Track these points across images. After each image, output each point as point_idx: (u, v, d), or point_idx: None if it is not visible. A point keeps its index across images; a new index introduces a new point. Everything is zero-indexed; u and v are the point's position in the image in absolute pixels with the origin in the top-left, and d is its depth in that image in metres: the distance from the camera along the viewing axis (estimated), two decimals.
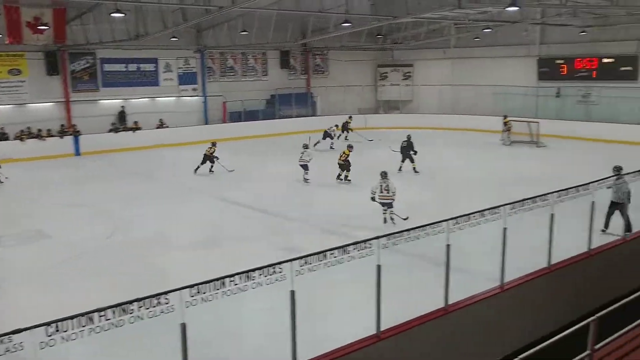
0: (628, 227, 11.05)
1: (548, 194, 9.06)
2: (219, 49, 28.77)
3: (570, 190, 9.35)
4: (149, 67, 27.03)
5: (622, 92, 26.35)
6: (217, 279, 5.64)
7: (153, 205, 15.07)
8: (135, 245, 11.75)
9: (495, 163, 20.99)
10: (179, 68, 28.08)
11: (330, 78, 33.62)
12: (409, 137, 19.17)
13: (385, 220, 13.01)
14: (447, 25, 30.15)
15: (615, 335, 7.03)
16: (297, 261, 6.12)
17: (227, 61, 29.79)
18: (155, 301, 5.24)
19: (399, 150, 18.72)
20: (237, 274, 5.76)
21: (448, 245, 7.51)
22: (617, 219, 11.18)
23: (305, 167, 17.78)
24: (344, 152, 17.59)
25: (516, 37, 29.69)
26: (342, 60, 33.36)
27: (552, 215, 8.95)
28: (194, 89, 28.67)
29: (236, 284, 5.76)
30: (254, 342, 7.82)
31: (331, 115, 31.32)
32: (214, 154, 19.15)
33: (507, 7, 16.03)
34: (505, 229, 8.24)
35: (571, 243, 9.88)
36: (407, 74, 34.82)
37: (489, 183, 16.89)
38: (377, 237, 6.74)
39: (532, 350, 5.85)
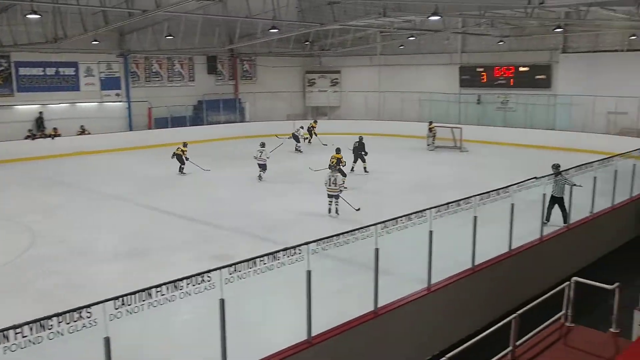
0: (565, 218, 12.14)
1: (471, 197, 9.38)
2: (144, 53, 28.05)
3: (492, 193, 9.72)
4: (69, 71, 25.95)
5: (537, 100, 27.79)
6: (143, 290, 5.46)
7: (74, 215, 14.45)
8: (57, 259, 11.21)
9: (421, 168, 21.54)
10: (101, 72, 27.12)
11: (259, 84, 33.52)
12: (360, 138, 20.25)
13: (329, 211, 14.00)
14: (373, 33, 30.82)
15: (535, 331, 7.35)
16: (226, 269, 6.02)
17: (152, 66, 29.09)
18: (76, 315, 5.00)
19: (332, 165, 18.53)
20: (164, 283, 5.59)
21: (377, 249, 7.61)
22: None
23: (263, 166, 18.37)
24: (333, 156, 16.91)
25: (439, 45, 30.74)
26: (270, 66, 33.33)
27: (475, 218, 9.26)
28: (117, 94, 27.78)
29: (163, 295, 5.59)
30: (183, 353, 7.64)
31: (260, 121, 31.26)
32: (184, 154, 19.72)
33: (429, 16, 16.54)
34: (431, 231, 8.45)
35: (493, 244, 10.26)
36: (335, 81, 35.25)
37: (415, 187, 17.32)
38: (307, 243, 6.74)
39: (458, 349, 6.01)
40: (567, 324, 7.59)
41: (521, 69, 28.51)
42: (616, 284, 7.45)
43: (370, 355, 7.72)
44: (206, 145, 26.34)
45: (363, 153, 19.74)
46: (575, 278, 7.57)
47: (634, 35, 24.26)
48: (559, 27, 24.08)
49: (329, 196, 13.92)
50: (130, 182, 18.23)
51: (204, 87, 30.95)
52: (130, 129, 27.92)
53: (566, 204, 12.14)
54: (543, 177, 11.29)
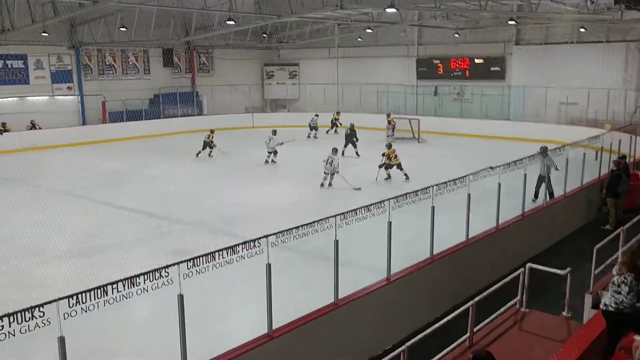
0: (551, 194, 13.65)
1: (429, 187, 9.49)
2: (96, 45, 27.36)
3: (449, 183, 9.85)
4: (17, 63, 25.12)
5: (491, 91, 28.35)
6: (98, 287, 5.33)
7: (24, 213, 13.96)
8: (6, 258, 10.85)
9: (380, 159, 21.65)
10: (52, 65, 26.33)
11: (216, 77, 33.14)
12: (352, 125, 22.61)
13: (322, 185, 16.69)
14: (331, 25, 30.81)
15: (492, 317, 7.52)
16: (185, 264, 5.93)
17: (106, 59, 28.42)
18: (28, 315, 4.84)
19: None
20: (120, 280, 5.47)
21: (336, 241, 7.62)
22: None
23: (274, 152, 20.05)
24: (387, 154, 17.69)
25: (396, 37, 30.99)
26: (227, 59, 32.98)
27: (432, 208, 9.37)
28: (69, 88, 27.04)
29: (119, 291, 5.46)
30: (142, 350, 7.52)
31: (218, 114, 30.94)
32: (212, 141, 21.67)
33: (386, 8, 16.62)
34: (390, 222, 8.51)
35: (451, 233, 10.43)
36: (293, 73, 35.15)
37: (374, 179, 17.43)
38: (266, 236, 6.69)
39: (418, 337, 6.09)
40: (522, 309, 7.80)
41: (476, 60, 29.01)
42: (568, 269, 7.68)
43: (331, 347, 7.75)
44: (163, 139, 25.92)
45: (355, 139, 22.11)
46: (529, 264, 7.77)
47: (583, 28, 24.96)
48: (512, 20, 24.57)
49: (324, 172, 16.62)
50: (84, 178, 17.76)
51: (160, 80, 30.41)
52: (84, 123, 27.24)
53: (521, 192, 12.42)
54: (498, 166, 11.50)
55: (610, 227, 13.17)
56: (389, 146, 17.76)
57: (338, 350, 7.83)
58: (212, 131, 22.18)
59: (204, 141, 21.89)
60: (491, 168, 11.20)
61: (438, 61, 30.27)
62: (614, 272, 5.96)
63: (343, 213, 7.80)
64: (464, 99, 29.67)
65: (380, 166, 17.47)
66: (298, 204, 14.20)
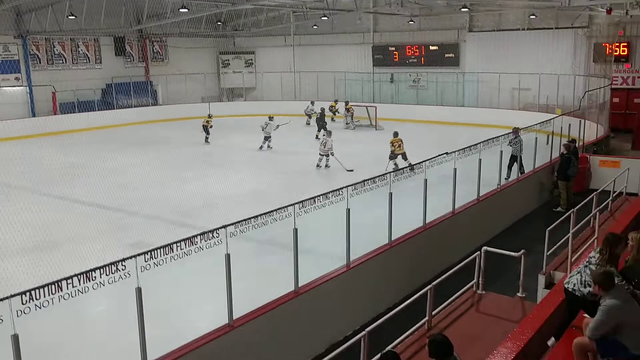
0: (522, 170, 14.66)
1: (386, 174, 9.59)
2: (44, 34, 26.46)
3: (406, 170, 9.98)
4: None
5: (446, 77, 28.75)
6: (53, 283, 5.21)
7: None
8: None
9: (338, 147, 21.72)
10: None
11: (171, 66, 32.55)
12: (322, 109, 24.26)
13: (318, 166, 17.54)
14: (287, 12, 30.61)
15: (449, 300, 7.69)
16: (142, 256, 5.84)
17: (55, 48, 27.53)
18: None
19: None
20: (75, 275, 5.36)
21: (295, 229, 7.63)
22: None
23: (268, 138, 20.48)
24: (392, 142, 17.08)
25: (352, 25, 31.01)
26: (182, 48, 32.40)
27: (390, 194, 9.48)
28: (17, 79, 26.09)
29: (75, 286, 5.35)
30: (99, 345, 7.39)
31: (174, 104, 30.45)
32: (210, 125, 22.11)
33: None
34: (348, 209, 8.57)
35: (409, 219, 10.57)
36: (249, 61, 34.82)
37: (333, 166, 17.48)
38: (225, 226, 6.65)
39: (378, 322, 6.17)
40: (479, 291, 7.99)
41: (431, 47, 29.34)
42: (522, 252, 7.90)
43: (292, 334, 7.78)
44: (118, 130, 25.34)
45: (324, 123, 23.40)
46: (485, 248, 7.96)
47: (533, 15, 25.53)
48: (465, 7, 24.90)
49: (320, 155, 17.50)
50: (35, 172, 17.19)
51: (112, 69, 29.68)
52: (33, 115, 26.37)
53: (477, 178, 12.69)
54: (453, 152, 11.70)
55: (562, 209, 13.61)
56: (395, 134, 17.14)
57: (299, 337, 7.87)
58: (209, 116, 22.83)
59: (203, 125, 22.44)
60: (447, 154, 11.39)
61: (394, 48, 30.49)
62: (593, 255, 6.01)
63: (302, 201, 7.82)
64: (419, 85, 30.01)
65: (390, 157, 16.72)
66: (258, 194, 14.14)
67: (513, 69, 25.95)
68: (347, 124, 26.45)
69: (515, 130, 14.84)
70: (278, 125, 20.97)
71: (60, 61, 27.80)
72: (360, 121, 26.45)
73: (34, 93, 26.49)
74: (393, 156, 16.67)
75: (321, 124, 23.44)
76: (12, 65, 25.84)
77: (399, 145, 16.83)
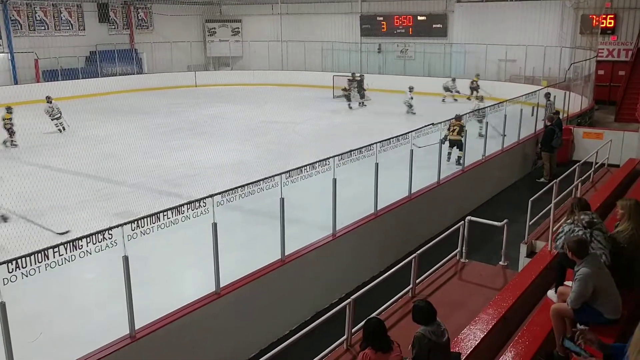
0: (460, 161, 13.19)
1: (372, 144, 9.62)
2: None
3: (392, 140, 10.01)
4: None
5: (434, 48, 28.62)
6: (39, 251, 5.23)
7: None
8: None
9: (324, 117, 21.72)
10: None
11: (156, 34, 32.04)
12: (361, 76, 24.35)
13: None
14: None
15: (433, 269, 7.82)
16: (129, 225, 5.87)
17: (36, 13, 26.94)
18: None
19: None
20: (62, 243, 5.38)
21: (282, 199, 7.68)
22: None
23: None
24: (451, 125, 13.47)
25: None
26: (167, 15, 31.86)
27: (376, 164, 9.53)
28: None
29: (61, 255, 5.38)
30: (86, 312, 7.45)
31: (159, 72, 30.09)
32: (9, 125, 16.94)
33: None
34: (334, 179, 8.62)
35: (395, 188, 10.66)
36: (236, 30, 34.37)
37: (319, 137, 17.49)
38: (211, 195, 6.68)
39: (363, 290, 6.29)
40: (462, 260, 8.13)
41: (419, 18, 29.14)
42: (505, 221, 8.04)
43: (279, 302, 7.90)
44: (102, 98, 25.01)
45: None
46: (469, 217, 8.07)
47: None
48: None
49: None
50: (19, 140, 17.05)
51: (96, 37, 29.16)
52: (15, 82, 25.93)
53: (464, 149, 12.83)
54: (439, 123, 11.75)
55: (545, 180, 13.79)
56: (458, 117, 13.50)
57: (285, 305, 7.99)
58: (9, 111, 17.28)
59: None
60: (432, 124, 11.44)
61: (382, 18, 30.23)
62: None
63: (288, 171, 7.85)
64: (407, 56, 29.87)
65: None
66: (244, 164, 14.13)
67: (500, 40, 25.90)
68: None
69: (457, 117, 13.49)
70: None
71: (43, 27, 27.24)
72: (338, 91, 26.23)
73: (15, 60, 25.99)
74: (446, 140, 13.11)
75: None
76: None
77: (454, 130, 13.38)
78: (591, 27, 24.39)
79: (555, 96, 16.84)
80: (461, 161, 12.86)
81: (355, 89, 25.72)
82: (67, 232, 9.44)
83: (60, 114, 18.77)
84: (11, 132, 16.92)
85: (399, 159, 10.52)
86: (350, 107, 23.29)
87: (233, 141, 16.80)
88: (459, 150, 13.28)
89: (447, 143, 13.15)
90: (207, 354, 6.92)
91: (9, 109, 17.18)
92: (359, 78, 25.84)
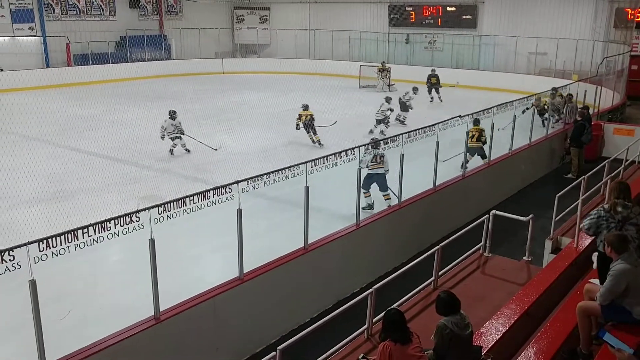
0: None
1: (398, 135, 9.60)
2: None
3: (418, 131, 9.97)
4: None
5: (462, 40, 28.28)
6: (69, 232, 5.34)
7: None
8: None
9: (351, 107, 21.66)
10: (12, 4, 25.19)
11: (185, 20, 32.22)
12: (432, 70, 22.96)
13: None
14: None
15: (456, 261, 7.79)
16: (155, 209, 5.96)
17: None
18: None
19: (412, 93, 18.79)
20: (91, 225, 5.49)
21: (307, 187, 7.72)
22: None
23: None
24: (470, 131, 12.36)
25: None
26: (196, 1, 32.02)
27: (402, 155, 9.51)
28: (31, 29, 25.98)
29: (90, 236, 5.49)
30: (113, 294, 7.60)
31: (187, 59, 30.28)
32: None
33: None
34: (359, 169, 8.62)
35: (420, 180, 10.62)
36: (264, 17, 34.38)
37: (346, 126, 17.45)
38: (237, 182, 6.74)
39: (385, 281, 6.30)
40: (485, 254, 8.08)
41: (449, 8, 28.77)
42: (530, 216, 7.95)
43: (300, 290, 7.96)
44: (130, 83, 25.32)
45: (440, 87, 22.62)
46: (493, 211, 8.01)
47: None
48: None
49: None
50: (50, 123, 17.35)
51: (126, 22, 29.44)
52: (47, 65, 26.36)
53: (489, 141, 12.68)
54: (467, 115, 11.65)
55: (572, 176, 13.58)
56: (476, 122, 12.38)
57: (307, 293, 8.05)
58: None
59: None
60: (460, 117, 11.35)
61: (410, 8, 29.93)
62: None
63: (313, 160, 7.88)
64: (435, 47, 29.56)
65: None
66: (269, 151, 14.21)
67: (531, 32, 25.47)
68: (385, 84, 25.83)
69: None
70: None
71: (74, 12, 27.59)
72: (364, 81, 26.08)
73: (48, 43, 26.40)
74: (470, 151, 12.27)
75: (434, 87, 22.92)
76: (26, 15, 25.69)
77: (473, 137, 12.34)
78: (626, 21, 23.83)
79: (586, 91, 16.52)
80: (467, 165, 12.04)
81: (385, 78, 25.64)
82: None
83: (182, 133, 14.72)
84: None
85: (423, 151, 10.47)
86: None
87: (259, 128, 16.87)
88: (482, 159, 12.44)
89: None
90: (229, 338, 7.02)
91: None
92: (388, 67, 25.75)
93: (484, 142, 12.44)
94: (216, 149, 13.62)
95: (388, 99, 16.60)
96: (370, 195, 10.17)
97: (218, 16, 33.49)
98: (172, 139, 14.47)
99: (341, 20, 31.57)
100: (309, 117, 15.50)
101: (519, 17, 26.38)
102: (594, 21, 24.79)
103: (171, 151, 14.42)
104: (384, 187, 10.06)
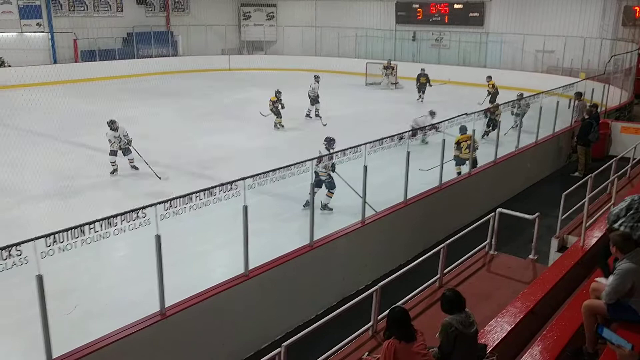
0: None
1: (404, 132, 9.58)
2: None
3: (424, 129, 9.95)
4: None
5: (469, 37, 28.19)
6: (76, 227, 5.36)
7: None
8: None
9: (357, 104, 21.64)
10: (20, 0, 25.27)
11: (191, 16, 32.26)
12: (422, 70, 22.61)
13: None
14: None
15: (461, 259, 7.78)
16: (162, 205, 5.97)
17: None
18: (5, 253, 4.87)
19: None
20: (97, 220, 5.51)
21: (312, 184, 7.72)
22: None
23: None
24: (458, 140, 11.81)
25: None
26: None
27: (408, 153, 9.48)
28: (39, 24, 26.07)
29: (97, 231, 5.50)
30: (119, 289, 7.64)
31: (194, 55, 30.30)
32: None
33: None
34: (365, 166, 8.61)
35: (425, 179, 10.61)
36: (271, 14, 34.37)
37: (351, 123, 17.45)
38: (243, 178, 6.74)
39: (390, 278, 6.30)
40: (491, 252, 8.06)
41: (456, 6, 28.69)
42: (536, 214, 7.93)
43: (306, 286, 7.96)
44: (137, 80, 25.35)
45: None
46: (499, 209, 7.99)
47: None
48: None
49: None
50: (56, 119, 17.39)
51: (133, 18, 29.50)
52: (55, 62, 26.45)
53: (495, 139, 12.65)
54: (473, 113, 11.62)
55: (579, 175, 13.52)
56: (463, 130, 11.63)
57: (312, 290, 8.06)
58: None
59: None
60: (466, 114, 11.32)
61: (417, 5, 29.85)
62: None
63: (319, 157, 7.89)
64: (442, 45, 29.48)
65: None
66: (275, 148, 14.22)
67: (538, 30, 25.37)
68: (390, 83, 25.82)
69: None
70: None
71: (82, 8, 27.66)
72: (370, 78, 26.03)
73: (55, 39, 26.49)
74: (460, 160, 11.72)
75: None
76: (34, 11, 25.77)
77: (467, 147, 11.53)
78: (634, 19, 23.69)
79: (593, 89, 16.44)
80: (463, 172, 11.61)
81: (390, 76, 25.62)
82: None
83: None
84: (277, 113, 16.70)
85: (431, 148, 10.45)
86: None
87: (265, 125, 16.89)
88: (474, 167, 11.60)
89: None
90: (234, 334, 7.04)
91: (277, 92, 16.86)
92: (394, 65, 25.73)
93: (476, 149, 11.66)
94: (160, 178, 11.97)
95: (316, 77, 18.27)
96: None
97: (225, 13, 33.49)
98: (124, 152, 12.82)
99: (348, 17, 31.52)
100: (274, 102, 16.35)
101: (527, 15, 26.28)
102: (602, 19, 24.65)
103: (133, 167, 12.86)
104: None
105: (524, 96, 13.91)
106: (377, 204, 9.37)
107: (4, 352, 6.54)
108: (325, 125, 16.41)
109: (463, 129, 11.58)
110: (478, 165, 11.84)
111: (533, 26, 25.74)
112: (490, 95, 19.87)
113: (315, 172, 9.05)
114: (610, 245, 5.25)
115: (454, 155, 11.63)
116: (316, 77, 18.66)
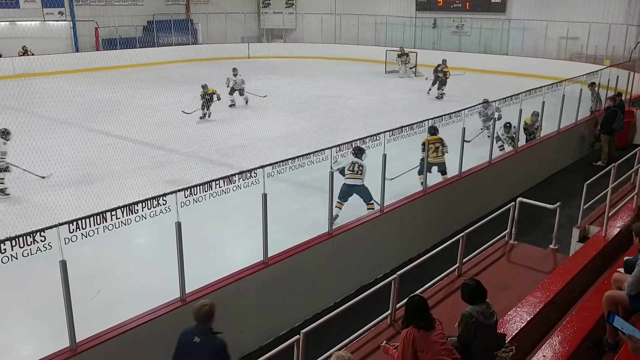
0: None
1: (424, 120, 9.50)
2: None
3: (444, 117, 9.86)
4: None
5: (491, 24, 27.81)
6: (98, 214, 5.43)
7: (19, 141, 13.91)
8: (5, 183, 10.93)
9: (377, 92, 21.54)
10: None
11: (211, 4, 32.30)
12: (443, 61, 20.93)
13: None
14: None
15: (481, 248, 7.74)
16: (182, 192, 6.03)
17: None
18: (30, 239, 4.97)
19: None
20: (119, 207, 5.58)
21: (332, 172, 7.71)
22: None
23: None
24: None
25: None
26: None
27: (427, 142, 9.43)
28: (61, 13, 26.31)
29: (118, 218, 5.58)
30: (139, 275, 7.74)
31: (214, 43, 30.36)
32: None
33: None
34: (384, 155, 8.58)
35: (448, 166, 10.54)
36: (290, 2, 34.25)
37: (371, 111, 17.40)
38: (262, 167, 6.77)
39: (409, 266, 6.29)
40: (511, 241, 8.01)
41: None
42: (557, 204, 7.84)
43: (324, 275, 7.98)
44: (157, 68, 25.53)
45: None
46: (520, 198, 7.92)
47: None
48: None
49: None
50: (79, 106, 17.60)
51: (153, 6, 29.63)
52: (76, 50, 26.71)
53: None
54: (494, 101, 11.49)
55: (602, 164, 13.33)
56: (432, 131, 10.17)
57: (330, 278, 8.08)
58: None
59: None
60: (487, 102, 11.19)
61: None
62: None
63: (338, 145, 7.86)
64: (462, 32, 29.14)
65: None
66: (294, 136, 14.23)
67: (561, 16, 24.91)
68: (406, 70, 25.65)
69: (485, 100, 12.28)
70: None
71: None
72: (390, 66, 25.87)
73: (77, 28, 26.73)
74: (426, 167, 9.98)
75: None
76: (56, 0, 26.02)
77: (435, 150, 10.40)
78: None
79: (618, 76, 16.13)
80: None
81: (407, 64, 25.43)
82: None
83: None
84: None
85: (451, 137, 10.36)
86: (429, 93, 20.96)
87: (284, 113, 16.90)
88: (442, 175, 10.48)
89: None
90: (253, 321, 7.10)
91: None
92: (408, 52, 25.51)
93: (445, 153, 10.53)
94: (44, 177, 11.16)
95: (234, 70, 18.70)
96: (342, 207, 9.25)
97: (244, 1, 33.49)
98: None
99: (367, 4, 31.29)
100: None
101: (550, 1, 25.81)
102: (628, 5, 24.12)
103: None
104: (367, 197, 9.32)
105: (489, 101, 12.81)
106: (396, 193, 9.36)
107: (29, 335, 6.69)
108: (265, 96, 17.16)
109: (433, 130, 10.17)
110: (444, 177, 10.49)
111: (556, 12, 25.27)
112: (439, 81, 20.01)
113: (340, 172, 8.93)
114: (634, 237, 5.19)
115: (420, 159, 10.35)
116: (234, 70, 19.00)
